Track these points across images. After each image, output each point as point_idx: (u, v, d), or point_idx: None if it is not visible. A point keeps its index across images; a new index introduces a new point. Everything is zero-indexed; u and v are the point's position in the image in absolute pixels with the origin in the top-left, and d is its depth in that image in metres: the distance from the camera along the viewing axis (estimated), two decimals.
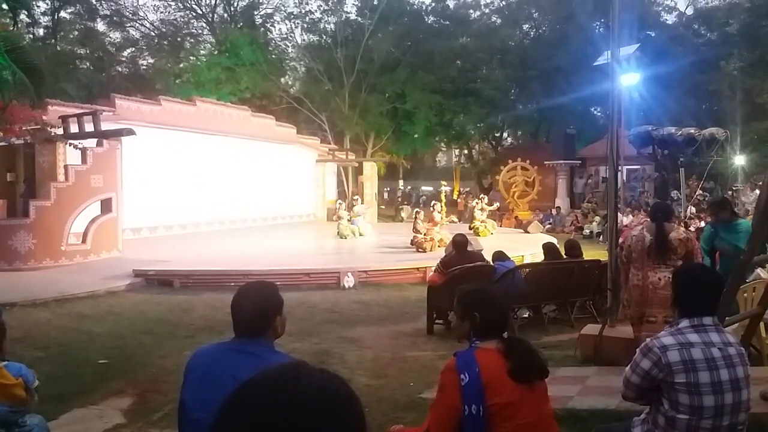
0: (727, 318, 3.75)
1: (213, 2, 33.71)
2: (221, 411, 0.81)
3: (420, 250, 13.39)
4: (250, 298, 2.17)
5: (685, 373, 2.36)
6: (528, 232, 19.21)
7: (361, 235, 16.77)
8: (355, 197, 19.70)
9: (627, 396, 2.63)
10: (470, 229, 17.13)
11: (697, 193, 18.14)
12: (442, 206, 15.72)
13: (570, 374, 5.34)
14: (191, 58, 31.83)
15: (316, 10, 30.93)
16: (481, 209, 17.97)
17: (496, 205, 20.24)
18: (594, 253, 10.98)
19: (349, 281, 10.80)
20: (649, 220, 5.40)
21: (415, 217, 14.49)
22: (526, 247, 14.08)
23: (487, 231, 17.39)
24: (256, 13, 34.01)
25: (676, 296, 2.56)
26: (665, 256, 4.86)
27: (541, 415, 2.29)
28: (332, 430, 0.76)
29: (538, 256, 9.02)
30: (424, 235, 13.61)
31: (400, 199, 32.37)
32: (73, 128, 13.39)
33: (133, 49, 35.04)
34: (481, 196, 19.54)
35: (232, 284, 9.33)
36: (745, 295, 5.40)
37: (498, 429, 2.18)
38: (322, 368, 0.86)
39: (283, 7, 32.63)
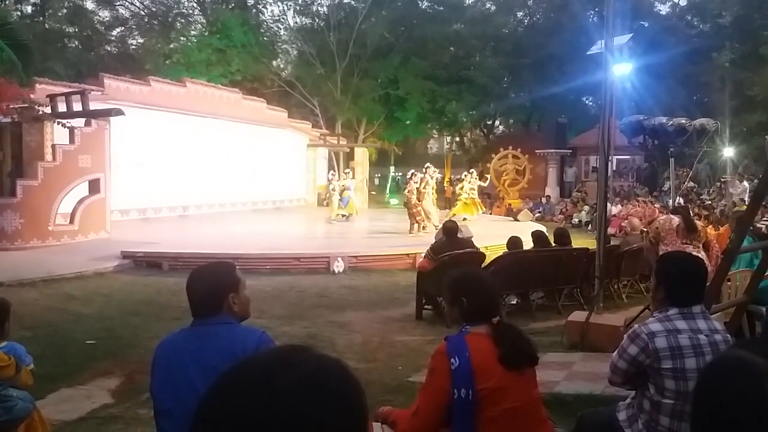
0: (713, 306, 3.79)
1: None
2: (207, 395, 0.74)
3: (413, 212, 14.06)
4: (200, 278, 2.18)
5: (672, 360, 2.39)
6: (518, 220, 19.27)
7: (350, 214, 16.88)
8: (346, 170, 19.79)
9: (613, 381, 2.65)
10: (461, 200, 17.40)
11: (686, 184, 18.27)
12: (434, 169, 16.14)
13: (557, 360, 5.41)
14: (182, 38, 31.38)
15: None
16: (469, 182, 17.69)
17: (486, 179, 19.83)
18: (582, 241, 11.08)
19: (338, 266, 10.80)
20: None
21: (410, 178, 14.94)
22: (515, 235, 14.12)
23: (462, 209, 17.15)
24: None
25: (664, 286, 2.56)
26: (691, 236, 5.97)
27: (530, 399, 2.30)
28: (330, 414, 0.72)
29: (527, 244, 9.06)
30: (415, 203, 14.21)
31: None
32: (61, 107, 13.23)
33: (123, 28, 34.55)
34: (471, 170, 19.18)
35: None
36: (729, 283, 5.45)
37: (486, 413, 2.20)
38: (320, 353, 0.80)
39: None
